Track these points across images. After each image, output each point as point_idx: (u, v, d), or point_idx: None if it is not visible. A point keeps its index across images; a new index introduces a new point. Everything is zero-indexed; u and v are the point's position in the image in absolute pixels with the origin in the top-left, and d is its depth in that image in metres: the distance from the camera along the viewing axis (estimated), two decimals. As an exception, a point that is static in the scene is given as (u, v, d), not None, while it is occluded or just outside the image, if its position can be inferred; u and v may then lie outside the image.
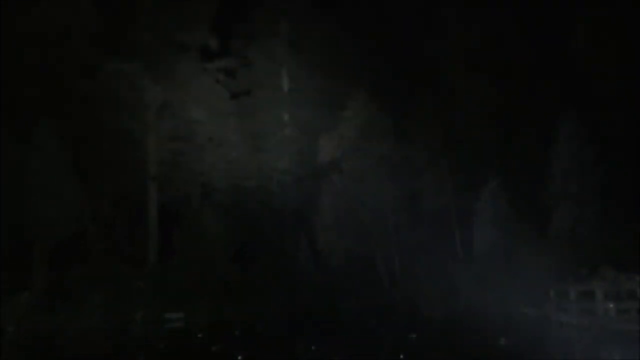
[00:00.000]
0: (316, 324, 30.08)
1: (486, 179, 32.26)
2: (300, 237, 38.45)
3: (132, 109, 36.25)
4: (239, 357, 19.62)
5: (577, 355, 19.68)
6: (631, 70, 28.14)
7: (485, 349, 20.15)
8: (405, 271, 35.33)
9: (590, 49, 29.43)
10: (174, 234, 35.79)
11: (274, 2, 41.95)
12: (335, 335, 26.59)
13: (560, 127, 28.46)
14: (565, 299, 23.57)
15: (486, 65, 32.81)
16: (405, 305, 32.79)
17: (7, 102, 32.70)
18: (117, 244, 36.25)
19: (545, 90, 31.61)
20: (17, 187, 30.88)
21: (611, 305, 21.40)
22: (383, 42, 39.14)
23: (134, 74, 35.74)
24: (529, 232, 28.28)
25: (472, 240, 32.78)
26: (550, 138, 28.86)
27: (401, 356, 18.29)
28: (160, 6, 37.23)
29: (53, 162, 32.21)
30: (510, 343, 20.33)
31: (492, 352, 19.10)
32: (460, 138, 34.50)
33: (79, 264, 33.05)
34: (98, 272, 32.30)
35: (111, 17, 35.97)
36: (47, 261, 31.90)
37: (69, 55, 34.81)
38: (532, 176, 30.20)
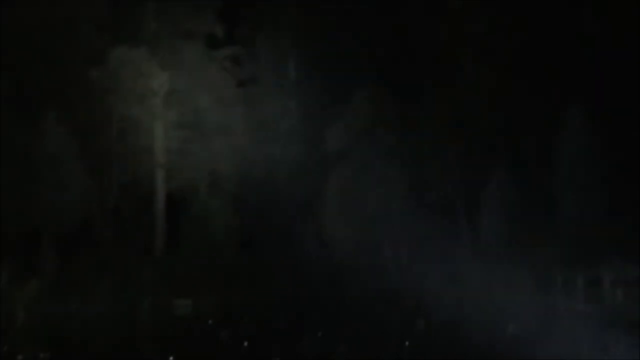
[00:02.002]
0: (323, 311, 30.16)
1: (493, 167, 32.22)
2: (307, 226, 38.51)
3: (139, 96, 36.21)
4: (246, 343, 19.72)
5: (584, 342, 19.67)
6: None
7: (493, 336, 20.15)
8: (412, 260, 35.36)
9: (600, 36, 29.17)
10: (182, 222, 35.95)
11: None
12: (342, 322, 26.63)
13: (568, 114, 28.34)
14: (573, 286, 23.57)
15: (494, 53, 32.66)
16: (412, 293, 32.83)
17: (14, 89, 32.78)
18: (125, 231, 36.38)
19: (554, 78, 31.45)
20: (26, 175, 30.98)
21: (618, 292, 21.37)
22: (391, 30, 38.91)
23: (140, 61, 35.67)
24: (536, 220, 28.23)
25: (479, 228, 32.77)
26: (558, 126, 28.74)
27: (406, 343, 18.31)
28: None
29: (60, 149, 32.32)
30: (518, 330, 20.33)
31: (500, 340, 19.11)
32: (467, 127, 34.42)
33: (87, 252, 33.29)
34: (106, 259, 32.52)
35: (118, 4, 36.04)
36: (55, 248, 32.07)
37: (76, 42, 34.80)
38: (539, 164, 30.13)
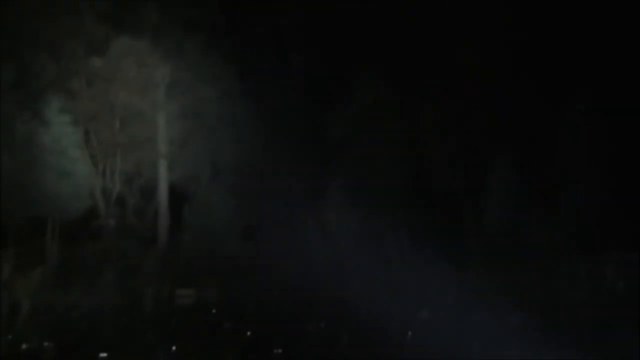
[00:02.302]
0: (325, 302, 30.22)
1: (496, 157, 32.16)
2: (308, 216, 38.49)
3: (141, 86, 36.12)
4: (248, 333, 19.80)
5: (587, 332, 19.69)
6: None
7: (496, 325, 20.18)
8: (414, 249, 35.35)
9: (605, 26, 29.04)
10: (184, 212, 35.97)
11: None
12: (344, 312, 26.68)
13: (571, 104, 28.26)
14: (576, 277, 23.60)
15: (497, 42, 32.54)
16: (415, 284, 32.86)
17: (17, 79, 32.72)
18: (128, 221, 36.45)
19: (557, 67, 31.34)
20: (30, 165, 31.00)
21: (621, 283, 21.41)
22: (392, 20, 38.79)
23: (142, 51, 35.55)
24: (539, 211, 28.22)
25: (482, 219, 32.76)
26: (562, 115, 28.69)
27: (409, 333, 18.32)
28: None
29: (64, 140, 32.32)
30: (521, 320, 20.37)
31: (504, 329, 19.13)
32: (470, 116, 34.35)
33: (91, 241, 33.37)
34: (109, 249, 32.60)
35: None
36: (59, 238, 32.14)
37: (78, 31, 34.71)
38: (543, 154, 30.06)
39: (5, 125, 31.31)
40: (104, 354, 13.90)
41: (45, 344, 20.35)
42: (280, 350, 14.20)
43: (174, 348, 19.14)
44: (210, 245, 34.18)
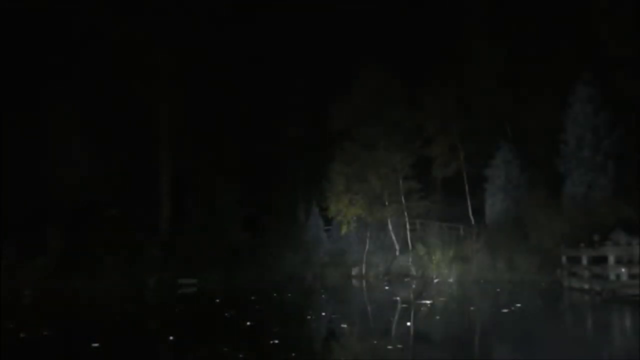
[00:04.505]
0: (327, 290, 30.27)
1: (498, 145, 32.01)
2: (311, 204, 38.56)
3: (145, 74, 36.18)
4: (248, 323, 19.72)
5: (588, 319, 19.56)
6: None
7: (496, 314, 20.08)
8: (416, 237, 35.36)
9: (607, 10, 28.70)
10: (187, 201, 36.11)
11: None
12: (346, 301, 26.71)
13: (574, 91, 27.99)
14: (577, 264, 23.43)
15: (499, 28, 32.29)
16: (417, 271, 32.90)
17: (19, 68, 32.82)
18: (131, 210, 36.67)
19: (560, 53, 31.04)
20: (33, 154, 31.21)
21: (623, 270, 21.21)
22: (396, 8, 38.69)
23: (146, 38, 35.51)
24: (541, 198, 28.09)
25: (483, 206, 32.70)
26: (564, 102, 28.44)
27: (408, 324, 18.22)
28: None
29: (68, 128, 32.46)
30: (521, 308, 20.25)
31: (503, 317, 19.01)
32: (472, 103, 34.20)
33: (94, 230, 33.62)
34: (112, 237, 32.78)
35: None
36: (62, 226, 32.37)
37: (80, 19, 34.76)
38: (545, 141, 29.88)
39: (9, 115, 31.55)
40: (95, 344, 13.86)
41: (44, 332, 20.39)
42: (276, 341, 14.06)
43: (171, 338, 19.12)
44: (212, 234, 34.33)
